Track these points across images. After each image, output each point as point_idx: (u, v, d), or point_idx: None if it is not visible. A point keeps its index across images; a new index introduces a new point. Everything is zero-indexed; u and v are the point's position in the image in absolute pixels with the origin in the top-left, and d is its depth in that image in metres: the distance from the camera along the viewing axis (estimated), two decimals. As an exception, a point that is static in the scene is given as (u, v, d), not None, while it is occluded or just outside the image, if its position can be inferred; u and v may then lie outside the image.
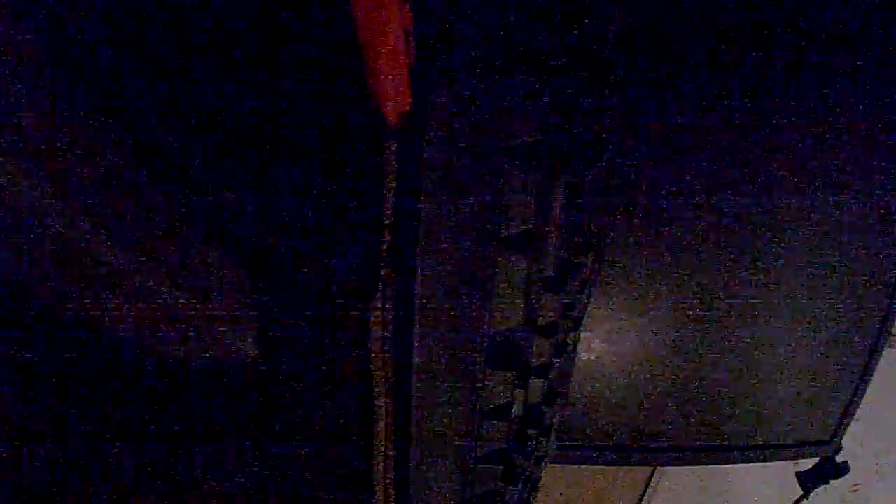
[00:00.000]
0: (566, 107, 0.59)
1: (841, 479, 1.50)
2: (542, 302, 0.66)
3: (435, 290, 0.57)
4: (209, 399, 0.63)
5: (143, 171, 0.52)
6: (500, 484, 0.73)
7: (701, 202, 1.16)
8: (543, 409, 0.75)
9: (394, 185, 0.53)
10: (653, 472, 2.53)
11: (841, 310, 1.32)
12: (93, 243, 0.51)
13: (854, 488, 2.73)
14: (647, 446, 1.33)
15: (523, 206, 0.59)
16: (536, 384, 0.71)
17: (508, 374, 0.66)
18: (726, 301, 1.25)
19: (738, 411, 1.36)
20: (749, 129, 1.12)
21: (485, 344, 0.62)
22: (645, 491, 2.55)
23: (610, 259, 1.16)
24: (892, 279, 1.31)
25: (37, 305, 0.54)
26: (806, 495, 1.58)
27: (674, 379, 1.29)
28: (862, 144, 1.18)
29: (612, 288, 1.19)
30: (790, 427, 1.41)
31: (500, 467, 0.72)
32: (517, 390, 0.68)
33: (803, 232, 1.22)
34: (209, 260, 0.58)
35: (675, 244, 1.18)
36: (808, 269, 1.25)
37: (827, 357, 1.36)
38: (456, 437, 0.65)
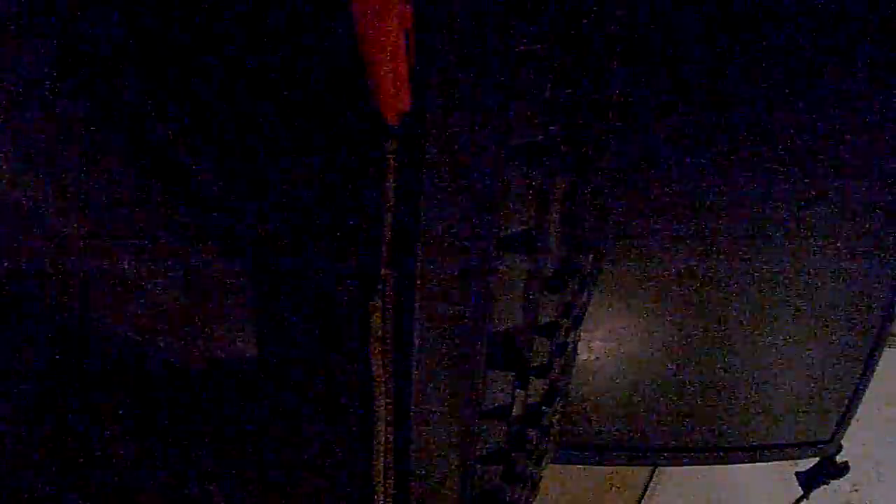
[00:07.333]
0: (566, 107, 0.59)
1: (841, 479, 1.50)
2: (542, 302, 0.66)
3: (435, 291, 0.57)
4: (209, 399, 0.63)
5: (143, 171, 0.52)
6: (500, 484, 0.73)
7: (701, 202, 1.16)
8: (543, 409, 0.75)
9: (394, 185, 0.53)
10: (653, 472, 2.53)
11: (841, 310, 1.32)
12: (92, 243, 0.51)
13: (854, 488, 2.73)
14: (647, 446, 1.33)
15: (523, 206, 0.58)
16: (536, 384, 0.71)
17: (508, 374, 0.66)
18: (726, 301, 1.25)
19: (738, 411, 1.36)
20: (750, 127, 1.12)
21: (485, 344, 0.62)
22: (645, 491, 2.55)
23: (610, 259, 1.16)
24: (892, 279, 1.31)
25: (37, 305, 0.54)
26: (806, 495, 1.58)
27: (674, 379, 1.29)
28: (863, 145, 1.18)
29: (612, 288, 1.19)
30: (790, 427, 1.41)
31: (500, 467, 0.72)
32: (517, 390, 0.68)
33: (804, 233, 1.22)
34: (209, 260, 0.58)
35: (675, 244, 1.18)
36: (809, 270, 1.25)
37: (827, 357, 1.36)
38: (456, 437, 0.65)
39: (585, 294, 0.78)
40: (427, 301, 0.57)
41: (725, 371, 1.30)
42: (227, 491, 0.66)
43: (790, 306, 1.28)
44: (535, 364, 0.69)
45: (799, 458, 1.51)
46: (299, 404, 0.64)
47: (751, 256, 1.21)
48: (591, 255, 0.72)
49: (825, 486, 1.53)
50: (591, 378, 1.25)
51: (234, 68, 0.53)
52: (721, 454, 1.39)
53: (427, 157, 0.52)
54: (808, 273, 1.25)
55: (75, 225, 0.50)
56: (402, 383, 0.60)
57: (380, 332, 0.58)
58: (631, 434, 1.31)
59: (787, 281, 1.25)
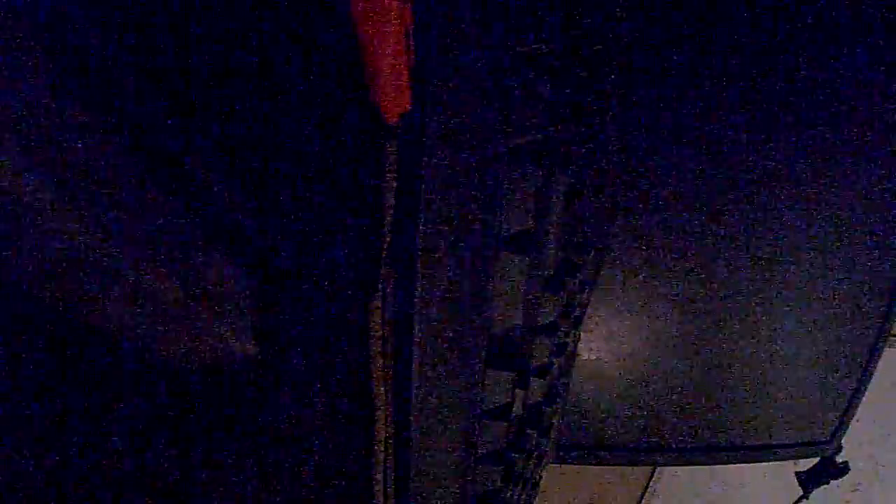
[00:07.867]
0: (566, 107, 0.59)
1: (841, 479, 1.50)
2: (542, 302, 0.66)
3: (435, 291, 0.57)
4: (208, 399, 0.63)
5: (143, 170, 0.52)
6: (500, 484, 0.73)
7: (702, 202, 1.16)
8: (543, 409, 0.75)
9: (394, 185, 0.53)
10: (653, 472, 2.53)
11: (841, 310, 1.32)
12: (93, 243, 0.51)
13: (854, 488, 2.73)
14: (647, 446, 1.33)
15: (523, 206, 0.59)
16: (536, 384, 0.71)
17: (508, 374, 0.66)
18: (726, 301, 1.25)
19: (738, 411, 1.36)
20: (750, 127, 1.12)
21: (485, 344, 0.62)
22: (645, 491, 2.55)
23: (610, 259, 1.16)
24: (892, 279, 1.31)
25: (36, 305, 0.54)
26: (806, 495, 1.58)
27: (674, 379, 1.29)
28: (862, 146, 1.18)
29: (612, 288, 1.19)
30: (790, 427, 1.41)
31: (500, 467, 0.72)
32: (517, 390, 0.68)
33: (804, 233, 1.22)
34: (209, 260, 0.58)
35: (675, 244, 1.18)
36: (809, 270, 1.26)
37: (827, 357, 1.36)
38: (456, 438, 0.65)
39: (585, 294, 0.78)
40: (427, 301, 0.57)
41: (725, 371, 1.30)
42: (226, 491, 0.66)
43: (790, 306, 1.28)
44: (535, 364, 0.69)
45: (799, 458, 1.51)
46: (299, 404, 0.64)
47: (751, 257, 1.21)
48: (591, 255, 0.72)
49: (825, 486, 1.53)
50: (591, 378, 1.26)
51: (235, 68, 0.53)
52: (721, 454, 1.39)
53: (427, 156, 0.52)
54: (808, 273, 1.25)
55: (75, 225, 0.50)
56: (402, 383, 0.60)
57: (380, 332, 0.58)
58: (631, 434, 1.31)
59: (786, 281, 1.25)
